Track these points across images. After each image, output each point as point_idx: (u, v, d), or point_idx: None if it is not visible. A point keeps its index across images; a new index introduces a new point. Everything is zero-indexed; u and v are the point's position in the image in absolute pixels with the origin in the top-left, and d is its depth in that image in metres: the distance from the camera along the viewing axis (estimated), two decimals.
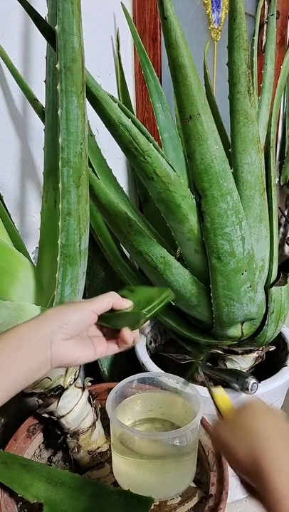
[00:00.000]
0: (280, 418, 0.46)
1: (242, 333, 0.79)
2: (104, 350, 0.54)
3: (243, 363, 0.85)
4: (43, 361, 0.49)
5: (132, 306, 0.54)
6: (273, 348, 0.87)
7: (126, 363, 1.00)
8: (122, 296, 0.54)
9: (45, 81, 0.64)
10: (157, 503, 0.67)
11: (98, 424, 0.75)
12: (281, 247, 2.05)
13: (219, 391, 0.54)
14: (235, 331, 0.78)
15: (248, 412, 0.47)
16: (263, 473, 0.40)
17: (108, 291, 0.54)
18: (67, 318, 0.50)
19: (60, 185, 0.53)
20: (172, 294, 0.57)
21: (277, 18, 1.40)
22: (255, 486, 0.42)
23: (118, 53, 1.01)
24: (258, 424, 0.45)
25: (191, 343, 0.86)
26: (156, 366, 0.85)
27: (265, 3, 1.43)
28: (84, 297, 0.57)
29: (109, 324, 0.54)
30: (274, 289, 0.77)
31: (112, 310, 0.53)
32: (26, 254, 0.65)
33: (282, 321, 0.81)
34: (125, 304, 0.53)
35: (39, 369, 0.49)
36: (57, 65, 0.48)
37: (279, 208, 1.91)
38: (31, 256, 0.86)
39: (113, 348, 0.54)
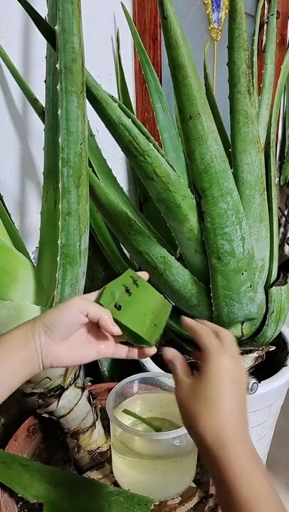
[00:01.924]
0: (240, 382, 0.46)
1: (242, 333, 0.79)
2: (109, 352, 0.53)
3: (243, 363, 0.85)
4: (37, 367, 0.50)
5: (120, 334, 0.50)
6: (273, 348, 0.87)
7: (126, 363, 1.00)
8: (117, 307, 0.51)
9: (45, 81, 0.64)
10: (157, 503, 0.67)
11: (98, 424, 0.75)
12: (281, 247, 2.05)
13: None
14: (235, 331, 0.78)
15: (213, 380, 0.45)
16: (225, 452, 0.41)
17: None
18: (52, 323, 0.49)
19: (60, 185, 0.53)
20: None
21: (277, 18, 1.40)
22: (207, 459, 0.43)
23: (118, 53, 1.01)
24: (222, 398, 0.44)
25: (191, 343, 0.86)
26: (156, 366, 0.85)
27: (265, 3, 1.43)
28: None
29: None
30: (274, 289, 0.77)
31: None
32: (26, 254, 0.65)
33: (282, 321, 0.81)
34: (112, 330, 0.50)
35: (30, 374, 0.50)
36: (57, 65, 0.48)
37: (279, 207, 1.91)
38: (31, 256, 0.86)
39: (120, 353, 0.53)
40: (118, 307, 0.51)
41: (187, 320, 0.52)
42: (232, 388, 0.45)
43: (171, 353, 0.51)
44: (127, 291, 0.53)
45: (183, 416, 0.46)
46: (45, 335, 0.49)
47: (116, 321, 0.51)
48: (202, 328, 0.51)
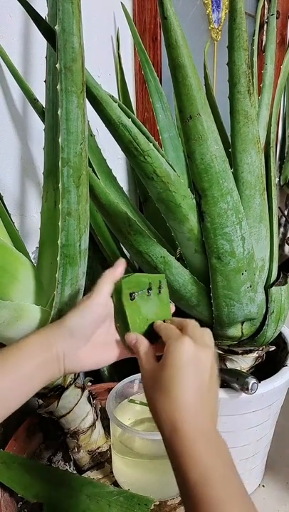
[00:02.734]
0: (201, 365, 0.45)
1: (242, 333, 0.79)
2: (126, 352, 0.54)
3: (243, 362, 0.85)
4: (57, 372, 0.49)
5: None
6: (273, 348, 0.87)
7: (126, 363, 1.00)
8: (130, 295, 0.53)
9: (45, 81, 0.64)
10: (157, 503, 0.67)
11: (98, 424, 0.75)
12: (281, 247, 2.05)
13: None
14: (235, 331, 0.78)
15: (169, 365, 0.45)
16: (180, 440, 0.41)
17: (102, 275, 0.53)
18: (75, 325, 0.49)
19: (60, 185, 0.53)
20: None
21: (277, 18, 1.40)
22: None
23: (118, 53, 1.01)
24: (178, 384, 0.44)
25: None
26: None
27: (265, 3, 1.43)
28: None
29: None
30: (274, 289, 0.77)
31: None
32: (26, 254, 0.65)
33: (282, 321, 0.81)
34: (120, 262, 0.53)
35: (47, 380, 0.49)
36: (57, 65, 0.48)
37: (279, 207, 1.91)
38: (31, 256, 0.86)
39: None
40: (132, 297, 0.52)
41: (156, 323, 0.53)
42: (190, 372, 0.44)
43: (135, 336, 0.51)
44: (148, 290, 0.54)
45: (148, 403, 0.46)
46: (70, 339, 0.48)
47: (122, 307, 0.52)
48: (165, 324, 0.52)
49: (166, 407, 0.43)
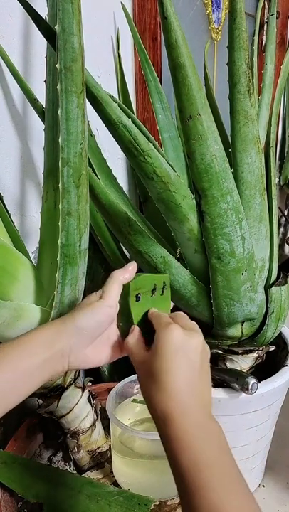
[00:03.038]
0: (191, 353, 0.45)
1: (242, 333, 0.79)
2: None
3: (243, 363, 0.85)
4: (60, 369, 0.49)
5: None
6: (273, 348, 0.87)
7: (126, 363, 1.01)
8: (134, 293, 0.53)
9: (45, 81, 0.64)
10: (157, 503, 0.67)
11: (98, 424, 0.75)
12: (281, 247, 2.05)
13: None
14: (235, 331, 0.78)
15: (159, 353, 0.45)
16: (171, 429, 0.42)
17: (110, 275, 0.53)
18: (85, 323, 0.49)
19: (60, 185, 0.53)
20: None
21: (277, 18, 1.40)
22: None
23: (118, 53, 1.01)
24: (169, 371, 0.44)
25: None
26: None
27: (265, 3, 1.43)
28: (84, 297, 0.57)
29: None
30: (274, 289, 0.77)
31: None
32: (26, 254, 0.65)
33: (282, 321, 0.81)
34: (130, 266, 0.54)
35: (48, 379, 0.49)
36: (57, 65, 0.48)
37: (279, 207, 1.91)
38: (31, 256, 0.86)
39: None
40: (138, 298, 0.53)
41: (151, 311, 0.53)
42: (180, 358, 0.44)
43: (133, 328, 0.52)
44: (153, 292, 0.55)
45: (140, 390, 0.47)
46: (77, 336, 0.48)
47: (128, 307, 0.52)
48: (157, 312, 0.52)
49: (158, 395, 0.43)
